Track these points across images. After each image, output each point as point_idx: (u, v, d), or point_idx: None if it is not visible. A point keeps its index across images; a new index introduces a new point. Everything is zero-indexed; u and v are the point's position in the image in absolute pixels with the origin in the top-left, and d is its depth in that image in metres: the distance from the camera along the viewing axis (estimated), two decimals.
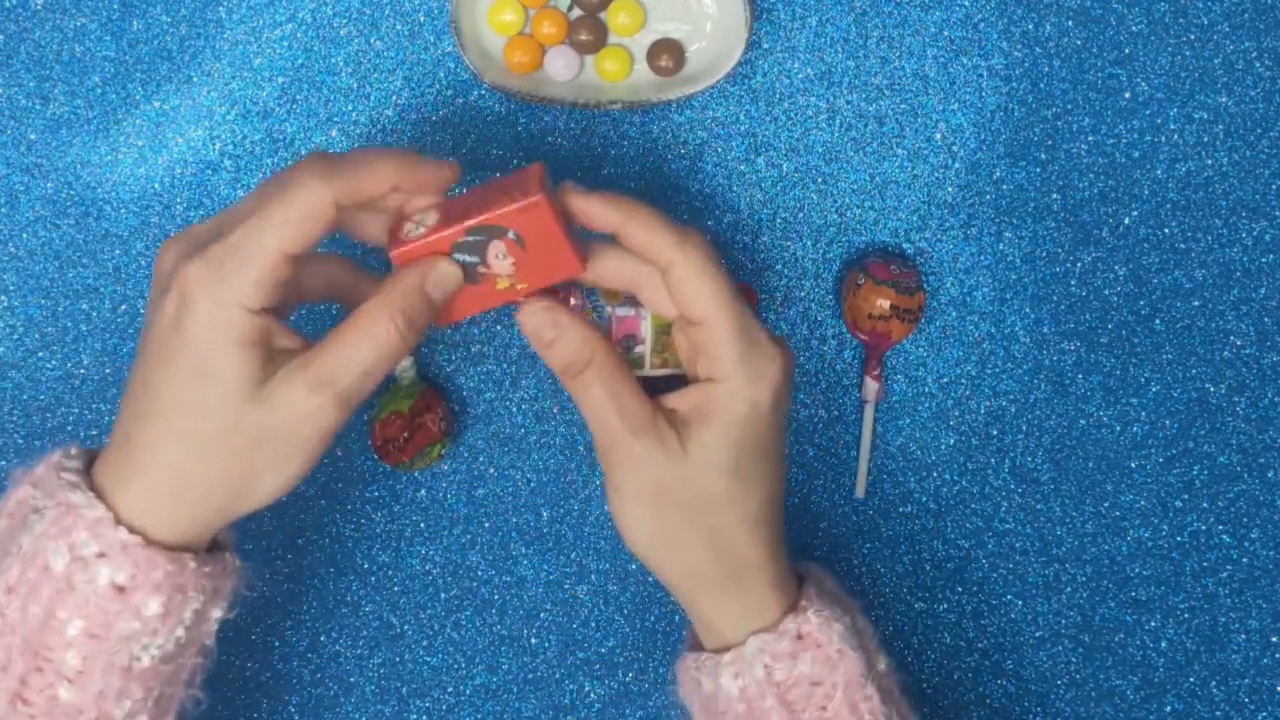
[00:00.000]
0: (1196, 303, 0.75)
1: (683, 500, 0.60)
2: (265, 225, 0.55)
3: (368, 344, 0.56)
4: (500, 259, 0.59)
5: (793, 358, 0.62)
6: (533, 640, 0.76)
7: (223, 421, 0.56)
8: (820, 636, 0.61)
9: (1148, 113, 0.74)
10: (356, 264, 0.65)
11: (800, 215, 0.74)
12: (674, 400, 0.61)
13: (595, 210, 0.60)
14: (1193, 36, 0.74)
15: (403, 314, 0.57)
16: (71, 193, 0.73)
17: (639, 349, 0.64)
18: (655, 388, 0.62)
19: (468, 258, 0.59)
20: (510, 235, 0.58)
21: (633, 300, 0.63)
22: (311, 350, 0.57)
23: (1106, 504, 0.76)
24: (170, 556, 0.56)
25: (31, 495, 0.57)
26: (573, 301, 0.70)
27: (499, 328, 0.74)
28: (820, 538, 0.76)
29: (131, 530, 0.56)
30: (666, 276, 0.60)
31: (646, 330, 0.64)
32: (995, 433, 0.76)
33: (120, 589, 0.55)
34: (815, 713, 0.60)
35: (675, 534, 0.61)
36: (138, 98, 0.72)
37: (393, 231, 0.60)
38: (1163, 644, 0.77)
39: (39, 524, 0.56)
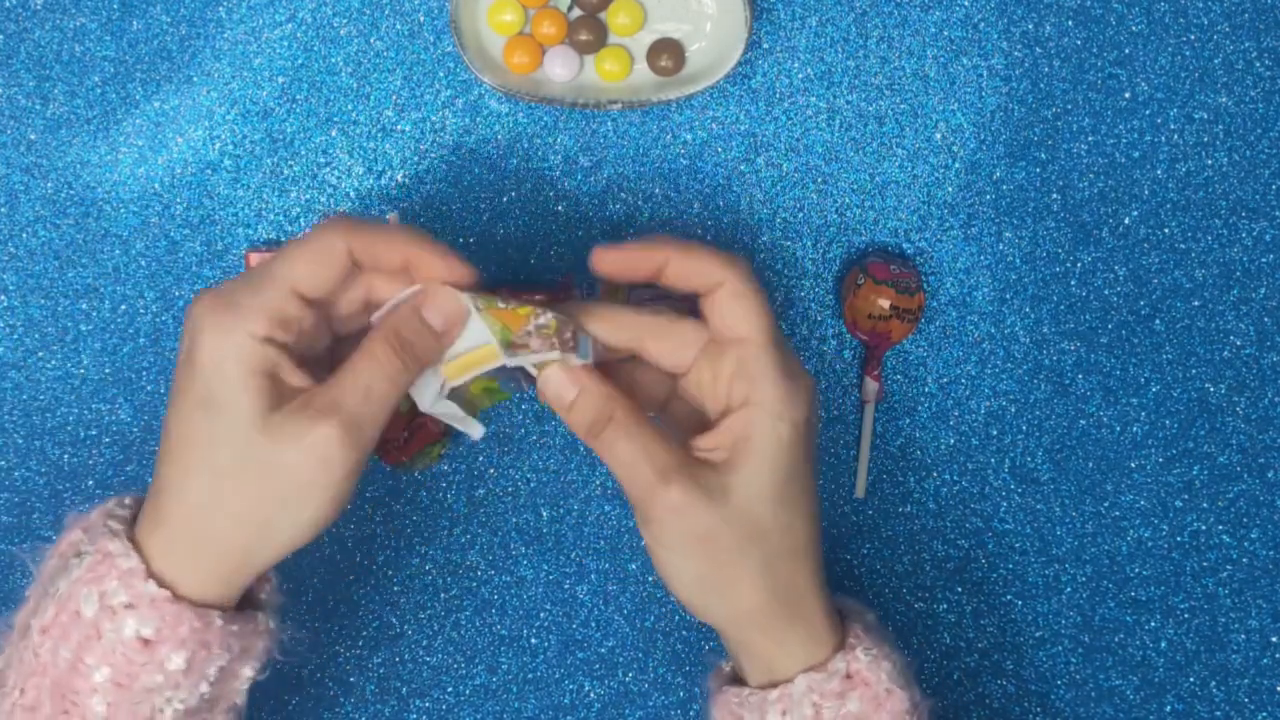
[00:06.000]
0: (1196, 303, 0.75)
1: (729, 540, 0.59)
2: (278, 259, 0.57)
3: (367, 366, 0.57)
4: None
5: (815, 382, 0.62)
6: (533, 640, 0.76)
7: (231, 452, 0.56)
8: (869, 675, 0.61)
9: (1148, 113, 0.74)
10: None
11: (800, 215, 0.74)
12: (710, 439, 0.60)
13: (638, 256, 0.61)
14: (1193, 36, 0.74)
15: (398, 337, 0.58)
16: (71, 193, 0.73)
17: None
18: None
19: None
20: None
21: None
22: (318, 385, 0.57)
23: (1106, 504, 0.76)
24: (197, 613, 0.56)
25: (80, 540, 0.58)
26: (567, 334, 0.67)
27: None
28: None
29: (161, 583, 0.56)
30: (711, 298, 0.60)
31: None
32: (995, 433, 0.76)
33: (146, 641, 0.56)
34: None
35: (726, 576, 0.60)
36: (138, 98, 0.72)
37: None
38: (1163, 644, 0.77)
39: (77, 569, 0.57)
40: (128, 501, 0.60)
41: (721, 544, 0.59)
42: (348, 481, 0.57)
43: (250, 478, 0.56)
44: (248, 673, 0.60)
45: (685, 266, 0.60)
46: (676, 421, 0.64)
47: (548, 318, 0.59)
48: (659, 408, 0.64)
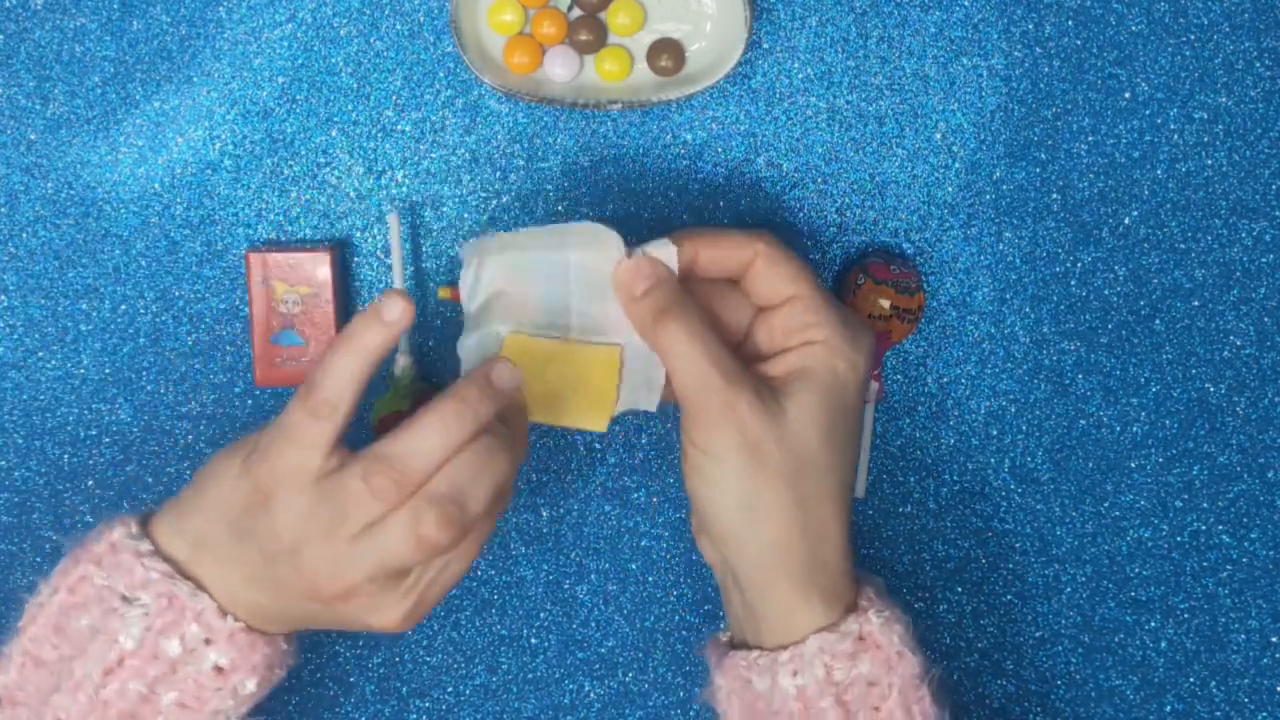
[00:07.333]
0: (1196, 303, 0.75)
1: (778, 462, 0.60)
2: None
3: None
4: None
5: (873, 337, 0.64)
6: (533, 640, 0.76)
7: None
8: (881, 638, 0.61)
9: (1148, 113, 0.74)
10: None
11: (800, 215, 0.74)
12: (771, 366, 0.62)
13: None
14: (1193, 36, 0.74)
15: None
16: (71, 193, 0.73)
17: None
18: None
19: None
20: None
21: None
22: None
23: (1106, 504, 0.76)
24: (268, 640, 0.59)
25: (97, 574, 0.59)
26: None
27: None
28: None
29: (236, 618, 0.59)
30: (749, 275, 0.63)
31: None
32: (995, 433, 0.76)
33: (220, 670, 0.58)
34: (869, 713, 0.60)
35: (767, 499, 0.60)
36: (138, 98, 0.72)
37: None
38: (1163, 644, 0.77)
39: (140, 616, 0.58)
40: (135, 531, 0.60)
41: (770, 463, 0.60)
42: None
43: None
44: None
45: (714, 254, 0.63)
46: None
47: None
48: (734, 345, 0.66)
